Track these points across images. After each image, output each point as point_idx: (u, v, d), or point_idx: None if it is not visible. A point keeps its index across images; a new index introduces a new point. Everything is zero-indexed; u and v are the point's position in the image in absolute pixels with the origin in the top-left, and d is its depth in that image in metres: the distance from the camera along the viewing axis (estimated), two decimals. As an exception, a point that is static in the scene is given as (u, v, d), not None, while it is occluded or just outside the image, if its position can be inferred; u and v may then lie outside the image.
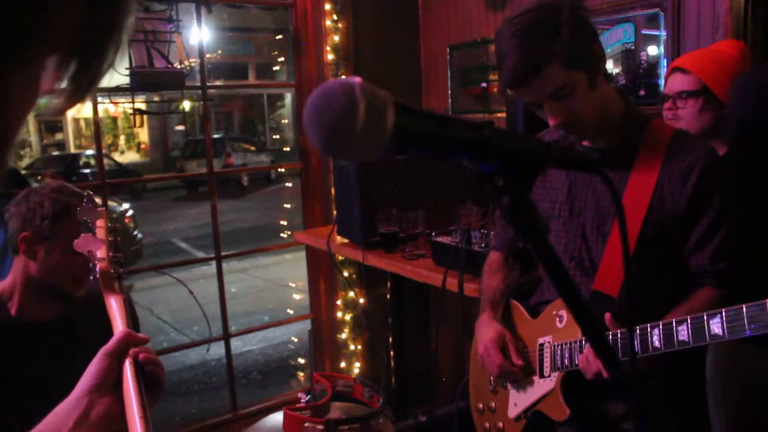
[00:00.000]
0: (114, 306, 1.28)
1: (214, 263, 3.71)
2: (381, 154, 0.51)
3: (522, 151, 0.55)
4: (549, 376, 1.79)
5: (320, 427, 1.60)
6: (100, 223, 1.40)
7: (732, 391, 1.75)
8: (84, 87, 0.42)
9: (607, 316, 1.60)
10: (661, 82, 2.71)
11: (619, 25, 2.85)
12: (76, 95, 0.42)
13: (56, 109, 0.43)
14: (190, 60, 3.62)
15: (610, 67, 2.88)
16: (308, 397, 1.74)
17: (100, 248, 1.36)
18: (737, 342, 1.68)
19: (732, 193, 1.63)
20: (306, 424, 1.61)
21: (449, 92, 3.80)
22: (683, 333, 1.45)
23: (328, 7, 3.60)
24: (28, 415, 1.59)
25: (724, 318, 1.38)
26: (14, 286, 1.82)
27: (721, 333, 1.39)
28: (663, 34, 2.69)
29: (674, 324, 1.47)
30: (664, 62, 2.69)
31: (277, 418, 1.80)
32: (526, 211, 0.56)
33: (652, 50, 2.75)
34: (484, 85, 3.60)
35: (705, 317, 1.42)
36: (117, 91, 3.11)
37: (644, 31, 2.76)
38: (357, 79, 0.49)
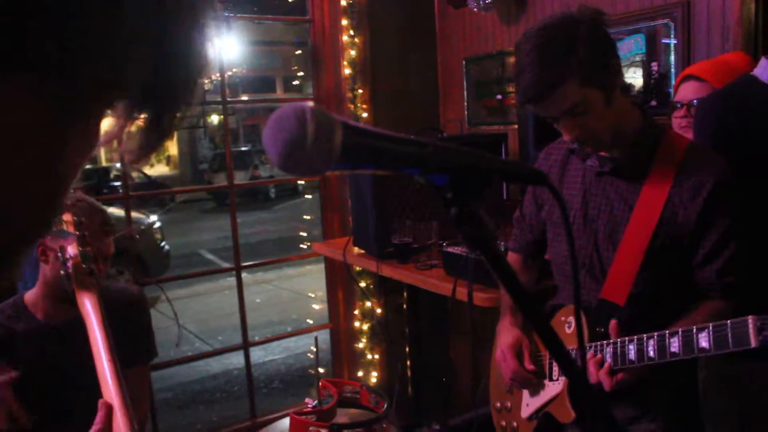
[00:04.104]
0: (88, 306, 1.28)
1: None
2: (333, 169, 0.56)
3: (463, 165, 0.60)
4: (557, 379, 1.83)
5: (324, 431, 1.65)
6: (66, 217, 1.38)
7: (726, 409, 1.76)
8: (155, 140, 0.42)
9: (613, 323, 1.63)
10: (672, 91, 2.73)
11: (630, 36, 2.87)
12: (146, 148, 0.42)
13: (129, 160, 0.43)
14: (212, 76, 3.72)
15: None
16: (315, 402, 1.79)
17: (72, 243, 1.36)
18: (728, 357, 1.70)
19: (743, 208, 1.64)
20: (311, 428, 1.66)
21: (465, 104, 3.84)
22: (675, 345, 1.48)
23: (345, 22, 3.67)
24: (63, 411, 1.68)
25: (711, 332, 1.42)
26: (39, 292, 1.91)
27: (708, 347, 1.42)
28: (674, 44, 2.70)
29: (667, 336, 1.50)
30: (675, 72, 2.70)
31: (285, 423, 1.85)
32: (473, 221, 0.61)
33: (663, 60, 2.77)
34: (499, 97, 3.63)
35: (694, 330, 1.46)
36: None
37: (655, 42, 2.78)
38: (309, 104, 0.54)
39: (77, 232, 1.44)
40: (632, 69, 2.89)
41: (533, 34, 1.59)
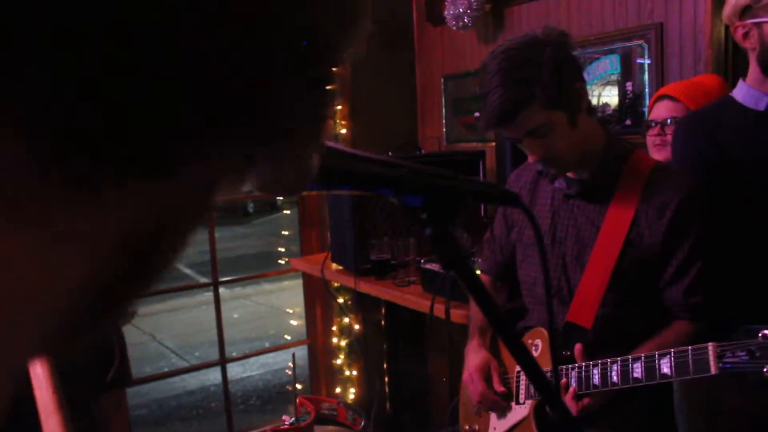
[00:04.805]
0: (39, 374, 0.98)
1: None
2: (308, 189, 0.57)
3: (438, 187, 0.61)
4: (524, 403, 1.82)
5: (301, 449, 1.64)
6: None
7: (700, 416, 1.78)
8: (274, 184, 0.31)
9: (578, 347, 1.63)
10: (646, 110, 2.78)
11: (605, 56, 2.92)
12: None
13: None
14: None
15: (598, 95, 2.95)
16: (292, 419, 1.78)
17: None
18: None
19: (710, 228, 1.66)
20: (288, 447, 1.65)
21: (443, 121, 3.87)
22: (638, 370, 1.50)
23: (325, 38, 3.69)
24: None
25: (672, 358, 1.43)
26: None
27: (669, 373, 1.43)
28: (647, 64, 2.75)
29: (630, 361, 1.52)
30: (648, 92, 2.75)
31: (262, 441, 1.84)
32: (448, 241, 0.62)
33: (638, 80, 2.82)
34: (477, 114, 3.66)
35: (656, 356, 1.47)
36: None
37: (630, 62, 2.83)
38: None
39: None
40: (608, 88, 2.94)
41: (498, 56, 1.57)
